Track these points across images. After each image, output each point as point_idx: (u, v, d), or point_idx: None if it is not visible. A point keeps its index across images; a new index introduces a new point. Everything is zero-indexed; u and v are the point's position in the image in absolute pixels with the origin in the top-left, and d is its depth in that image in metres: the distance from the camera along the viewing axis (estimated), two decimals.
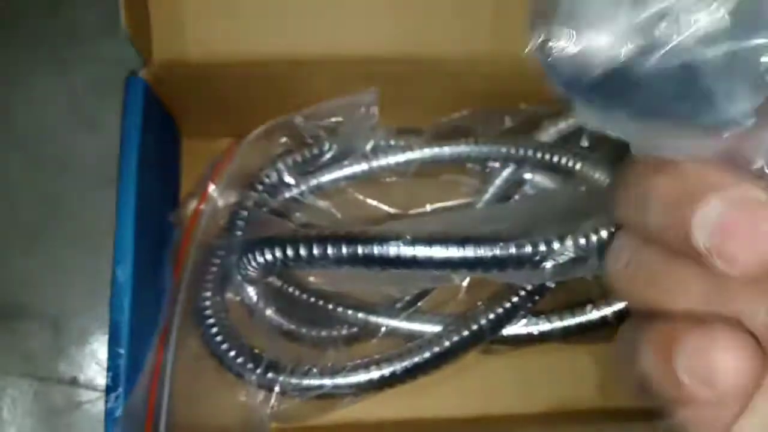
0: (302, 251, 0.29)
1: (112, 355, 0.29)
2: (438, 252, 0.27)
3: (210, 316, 0.32)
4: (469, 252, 0.27)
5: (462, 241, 0.27)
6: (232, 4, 0.33)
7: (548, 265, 0.27)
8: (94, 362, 0.46)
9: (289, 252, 0.29)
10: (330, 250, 0.28)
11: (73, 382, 0.47)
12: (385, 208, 0.36)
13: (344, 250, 0.28)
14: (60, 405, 0.46)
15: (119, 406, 0.28)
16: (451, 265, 0.28)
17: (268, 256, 0.30)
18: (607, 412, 0.36)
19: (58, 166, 0.50)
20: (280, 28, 0.33)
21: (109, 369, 0.29)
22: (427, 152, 0.34)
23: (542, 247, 0.27)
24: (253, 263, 0.30)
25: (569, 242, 0.27)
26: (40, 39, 0.53)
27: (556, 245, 0.27)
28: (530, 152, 0.33)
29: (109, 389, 0.29)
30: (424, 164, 0.34)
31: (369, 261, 0.28)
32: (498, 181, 0.35)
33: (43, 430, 0.47)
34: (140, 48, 0.31)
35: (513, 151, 0.34)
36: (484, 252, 0.27)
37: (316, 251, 0.28)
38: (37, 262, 0.49)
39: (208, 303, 0.33)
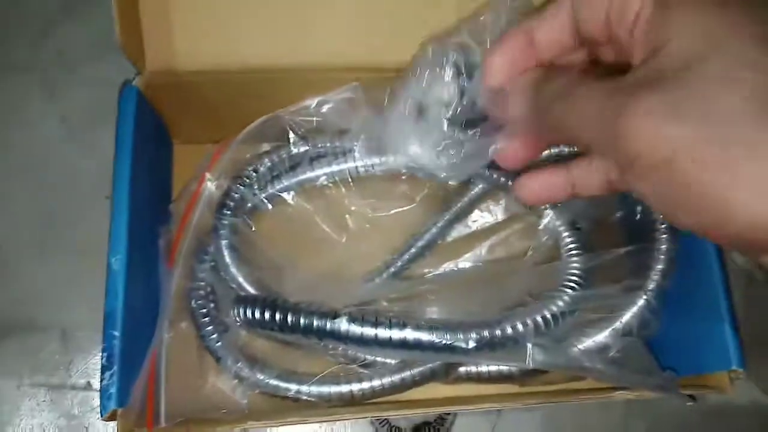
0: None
1: (107, 337, 0.30)
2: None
3: (202, 307, 0.35)
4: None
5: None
6: (218, 19, 0.35)
7: None
8: None
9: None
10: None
11: (87, 387, 0.48)
12: (360, 204, 0.38)
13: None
14: (75, 410, 0.48)
15: (114, 383, 0.30)
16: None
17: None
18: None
19: (56, 186, 0.52)
20: (260, 40, 0.35)
21: (104, 350, 0.30)
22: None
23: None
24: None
25: None
26: (31, 66, 0.56)
27: None
28: None
29: (104, 368, 0.30)
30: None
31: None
32: (467, 198, 0.38)
33: None
34: (133, 59, 0.34)
35: None
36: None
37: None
38: (40, 277, 0.50)
39: (201, 292, 0.35)
